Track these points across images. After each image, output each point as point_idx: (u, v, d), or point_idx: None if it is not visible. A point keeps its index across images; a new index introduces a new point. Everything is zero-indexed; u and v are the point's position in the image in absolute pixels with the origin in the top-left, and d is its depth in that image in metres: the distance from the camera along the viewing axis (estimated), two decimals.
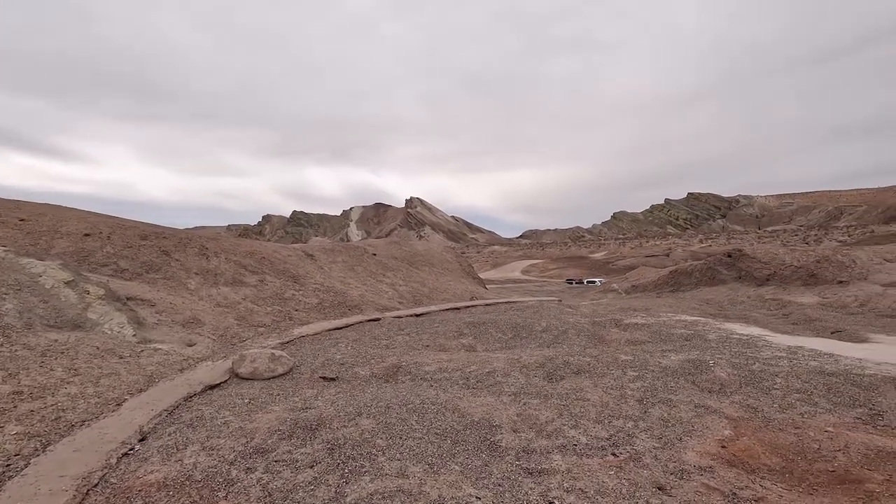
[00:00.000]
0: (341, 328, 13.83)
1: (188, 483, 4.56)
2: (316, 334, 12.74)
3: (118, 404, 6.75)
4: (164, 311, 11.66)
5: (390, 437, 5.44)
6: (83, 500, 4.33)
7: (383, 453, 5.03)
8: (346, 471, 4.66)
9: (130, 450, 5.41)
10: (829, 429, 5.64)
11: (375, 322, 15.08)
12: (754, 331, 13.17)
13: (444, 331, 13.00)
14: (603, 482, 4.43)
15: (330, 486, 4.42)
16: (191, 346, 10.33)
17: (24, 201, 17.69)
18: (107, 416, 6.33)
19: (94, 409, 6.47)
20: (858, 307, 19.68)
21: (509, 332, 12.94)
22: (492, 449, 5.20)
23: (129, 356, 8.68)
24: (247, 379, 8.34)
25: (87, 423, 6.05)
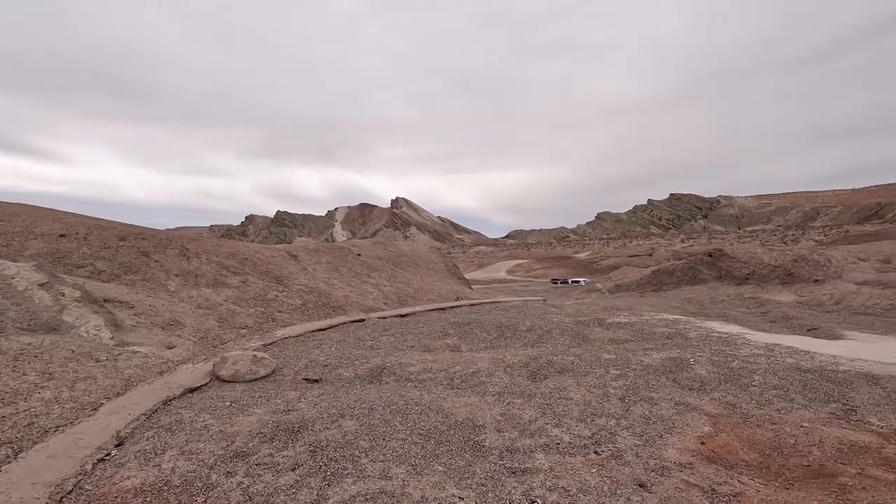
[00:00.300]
0: (325, 329, 13.72)
1: (166, 488, 4.47)
2: (299, 336, 12.61)
3: (94, 409, 6.59)
4: (142, 314, 11.42)
5: (373, 438, 5.41)
6: None
7: (366, 455, 5.00)
8: (329, 473, 4.62)
9: (106, 455, 5.28)
10: (805, 424, 5.77)
11: (360, 323, 14.99)
12: (733, 329, 13.42)
13: (428, 331, 12.98)
14: (585, 480, 4.46)
15: (312, 488, 4.37)
16: (170, 348, 10.14)
17: None
18: (82, 421, 6.17)
19: (69, 413, 6.30)
20: (833, 305, 20.20)
21: (494, 332, 12.97)
22: (475, 449, 5.20)
23: (107, 359, 8.48)
24: (228, 381, 8.21)
25: (61, 428, 5.89)
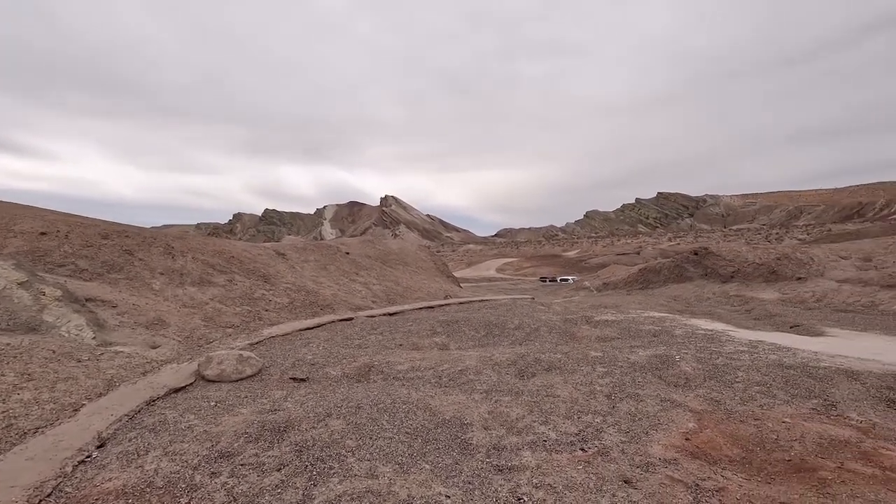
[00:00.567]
0: (313, 328, 13.62)
1: (149, 490, 4.40)
2: (286, 335, 12.51)
3: (75, 410, 6.47)
4: (126, 313, 11.24)
5: (360, 437, 5.38)
6: None
7: (353, 454, 4.97)
8: (315, 473, 4.59)
9: (88, 457, 5.19)
10: (787, 419, 5.86)
11: (348, 321, 14.91)
12: (718, 326, 13.60)
13: (417, 329, 12.96)
14: (571, 477, 4.48)
15: (297, 488, 4.34)
16: (154, 348, 10.00)
17: None
18: (63, 422, 6.06)
19: (48, 415, 6.18)
20: (815, 302, 20.57)
21: (482, 330, 12.99)
22: (462, 447, 5.20)
23: (88, 359, 8.33)
24: (213, 381, 8.12)
25: (41, 430, 5.77)
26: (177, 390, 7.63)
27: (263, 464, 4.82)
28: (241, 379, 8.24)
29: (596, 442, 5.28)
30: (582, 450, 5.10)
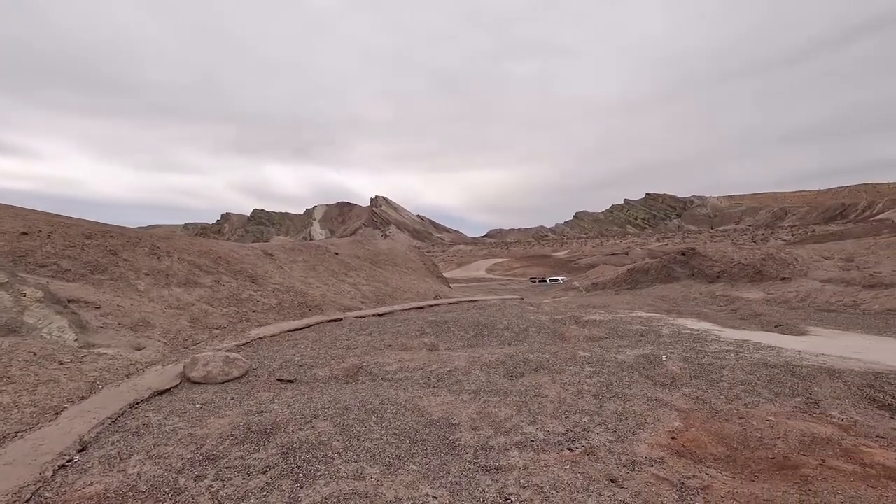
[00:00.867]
0: (301, 329, 13.53)
1: (131, 494, 4.33)
2: (274, 336, 12.41)
3: (56, 413, 6.35)
4: (110, 314, 11.06)
5: (347, 438, 5.35)
6: None
7: (340, 456, 4.94)
8: (301, 475, 4.55)
9: (68, 461, 5.10)
10: (771, 418, 5.94)
11: (337, 322, 14.84)
12: (705, 326, 13.75)
13: (406, 330, 12.93)
14: (558, 477, 4.50)
15: (283, 491, 4.30)
16: (139, 350, 9.85)
17: None
18: (43, 426, 5.94)
19: (29, 419, 6.06)
20: (799, 302, 20.90)
21: (471, 330, 13.00)
22: (450, 448, 5.19)
23: (71, 362, 8.18)
24: (199, 383, 8.02)
25: (20, 434, 5.66)
26: (161, 393, 7.53)
27: (249, 466, 4.77)
28: (228, 381, 8.16)
29: (583, 441, 5.31)
30: (569, 449, 5.12)
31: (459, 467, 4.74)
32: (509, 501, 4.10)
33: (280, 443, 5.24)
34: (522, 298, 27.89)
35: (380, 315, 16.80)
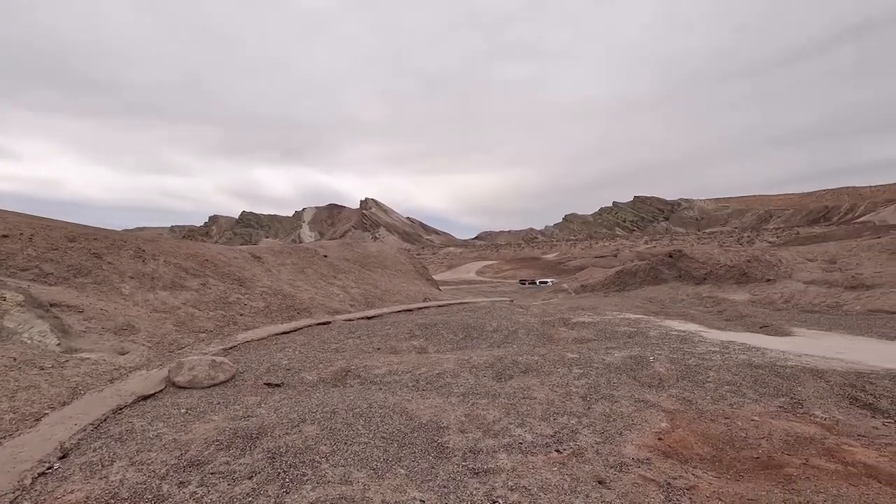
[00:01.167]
0: (289, 332, 13.43)
1: (113, 501, 4.25)
2: (262, 339, 12.30)
3: (37, 419, 6.22)
4: (93, 318, 10.88)
5: (335, 442, 5.31)
6: None
7: (327, 460, 4.90)
8: (287, 480, 4.50)
9: (49, 468, 4.99)
10: (755, 418, 6.01)
11: (325, 325, 14.74)
12: (691, 327, 13.89)
13: (395, 333, 12.89)
14: (546, 479, 4.50)
15: (269, 496, 4.25)
16: (123, 354, 9.69)
17: None
18: (23, 432, 5.81)
19: (8, 425, 5.93)
20: (783, 303, 21.21)
21: (461, 332, 12.99)
22: (438, 451, 5.17)
23: (52, 367, 8.03)
24: (185, 388, 7.91)
25: None
26: (146, 398, 7.41)
27: (234, 472, 4.71)
28: (214, 385, 8.06)
29: (571, 443, 5.32)
30: (557, 451, 5.13)
31: (447, 470, 4.72)
32: None
33: (266, 447, 5.18)
34: (512, 301, 27.96)
35: (369, 318, 16.73)
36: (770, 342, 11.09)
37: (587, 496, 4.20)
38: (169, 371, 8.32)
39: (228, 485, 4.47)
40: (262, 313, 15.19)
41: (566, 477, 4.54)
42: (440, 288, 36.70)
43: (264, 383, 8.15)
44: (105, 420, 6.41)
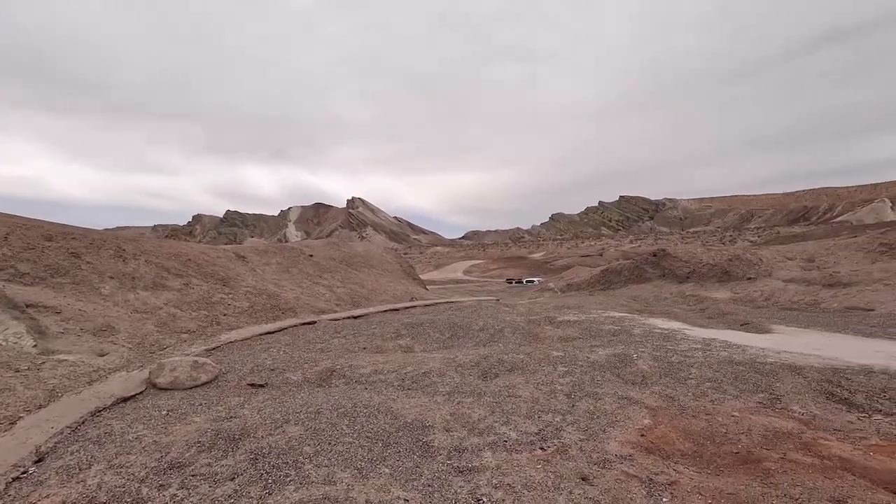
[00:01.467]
0: (274, 332, 13.29)
1: None
2: (246, 339, 12.15)
3: (12, 423, 6.07)
4: (71, 319, 10.64)
5: (319, 443, 5.27)
6: None
7: (310, 460, 4.86)
8: (270, 481, 4.45)
9: (23, 473, 4.87)
10: (735, 413, 6.11)
11: (310, 325, 14.63)
12: (674, 325, 14.08)
13: (381, 332, 12.84)
14: (530, 476, 4.52)
15: (252, 498, 4.20)
16: (102, 356, 9.50)
17: None
18: None
19: None
20: (764, 301, 21.62)
21: (447, 331, 12.99)
22: (423, 450, 5.17)
23: (28, 369, 7.84)
24: (166, 389, 7.78)
25: None
26: (125, 399, 7.28)
27: (216, 473, 4.64)
28: (196, 386, 7.94)
29: (555, 440, 5.36)
30: (541, 449, 5.16)
31: (432, 469, 4.72)
32: (481, 502, 4.10)
33: (249, 449, 5.12)
34: (498, 300, 28.05)
35: (355, 317, 16.65)
36: (750, 339, 11.29)
37: (570, 493, 4.23)
38: (150, 372, 8.18)
39: (210, 487, 4.41)
40: (246, 313, 15.02)
41: (550, 474, 4.57)
42: (427, 287, 36.67)
43: (248, 384, 8.05)
44: (83, 423, 6.28)
